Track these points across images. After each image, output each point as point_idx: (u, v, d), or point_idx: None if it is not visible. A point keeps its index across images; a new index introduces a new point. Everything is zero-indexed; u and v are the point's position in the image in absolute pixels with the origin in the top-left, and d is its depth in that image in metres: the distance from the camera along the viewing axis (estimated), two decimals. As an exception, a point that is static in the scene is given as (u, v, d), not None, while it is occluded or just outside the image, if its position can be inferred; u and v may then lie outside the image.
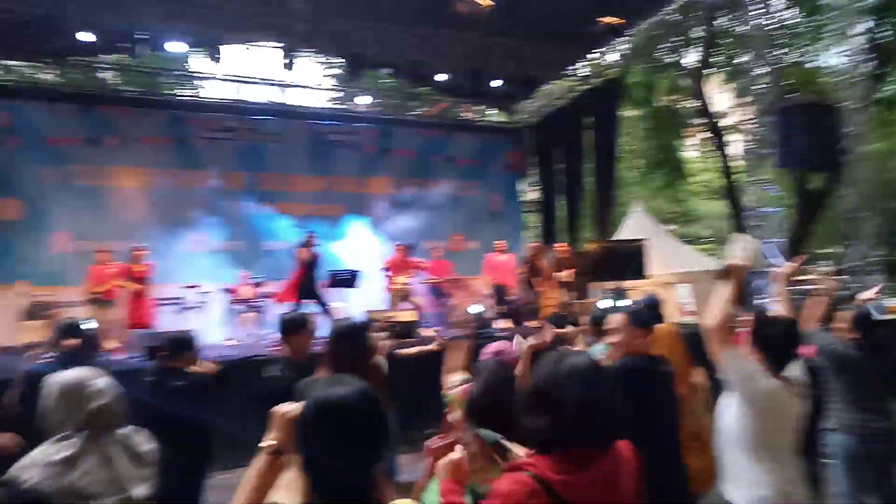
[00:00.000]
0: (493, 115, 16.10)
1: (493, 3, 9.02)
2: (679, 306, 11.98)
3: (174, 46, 10.53)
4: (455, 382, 3.09)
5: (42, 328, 9.32)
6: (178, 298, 10.00)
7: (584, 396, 1.46)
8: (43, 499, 1.75)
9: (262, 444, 1.57)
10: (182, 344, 4.05)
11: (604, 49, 12.52)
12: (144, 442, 2.07)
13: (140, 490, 1.93)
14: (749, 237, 4.09)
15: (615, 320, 3.30)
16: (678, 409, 3.23)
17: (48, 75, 13.24)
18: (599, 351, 4.46)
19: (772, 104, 9.25)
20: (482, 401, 2.53)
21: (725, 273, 2.76)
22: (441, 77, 11.85)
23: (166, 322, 9.74)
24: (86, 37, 9.40)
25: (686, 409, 3.42)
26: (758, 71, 9.56)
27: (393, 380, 4.12)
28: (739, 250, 2.81)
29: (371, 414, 1.35)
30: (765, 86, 9.63)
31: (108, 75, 13.59)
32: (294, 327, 3.55)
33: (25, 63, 12.70)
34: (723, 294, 2.65)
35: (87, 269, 9.10)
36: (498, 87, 12.18)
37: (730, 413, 2.57)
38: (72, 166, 11.27)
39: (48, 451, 1.86)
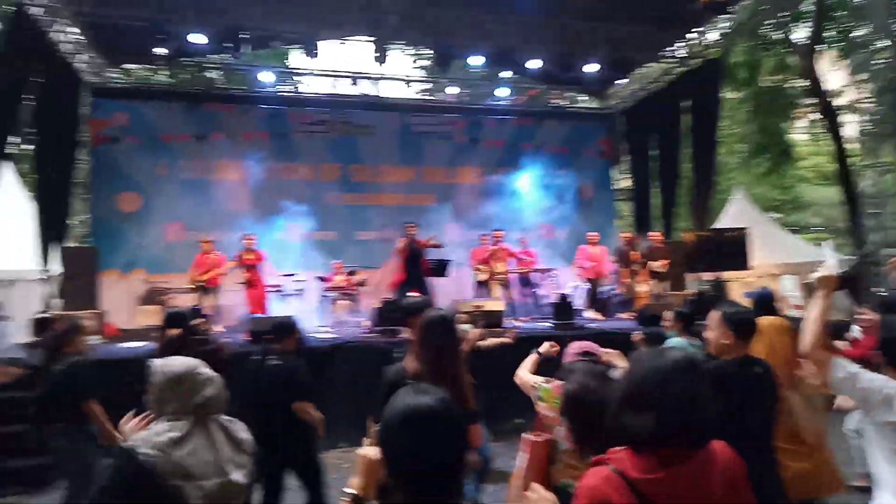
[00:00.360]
0: (585, 102, 15.73)
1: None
2: (785, 299, 11.32)
3: (275, 44, 10.97)
4: (540, 379, 3.07)
5: (157, 313, 10.11)
6: (276, 286, 10.50)
7: (685, 395, 1.43)
8: (151, 469, 1.89)
9: (345, 492, 1.62)
10: (285, 328, 4.27)
11: (704, 28, 11.93)
12: (242, 430, 2.18)
13: (238, 475, 2.04)
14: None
15: (711, 317, 3.13)
16: (771, 413, 3.00)
17: (161, 77, 14.18)
18: (682, 346, 4.31)
19: (892, 81, 8.48)
20: (578, 399, 2.55)
21: (819, 285, 2.56)
22: (532, 63, 11.66)
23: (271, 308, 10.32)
24: (195, 38, 9.97)
25: (785, 409, 3.20)
26: (877, 45, 8.79)
27: (476, 370, 4.15)
28: (829, 261, 2.66)
29: (450, 423, 1.38)
30: (884, 61, 8.84)
31: (213, 74, 14.41)
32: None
33: (141, 66, 13.66)
34: (814, 311, 2.46)
35: (193, 257, 9.74)
36: (590, 72, 11.84)
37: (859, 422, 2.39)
38: (182, 161, 12.08)
39: (159, 430, 2.00)
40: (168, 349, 3.73)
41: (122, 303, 10.04)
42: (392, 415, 1.38)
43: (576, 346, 3.12)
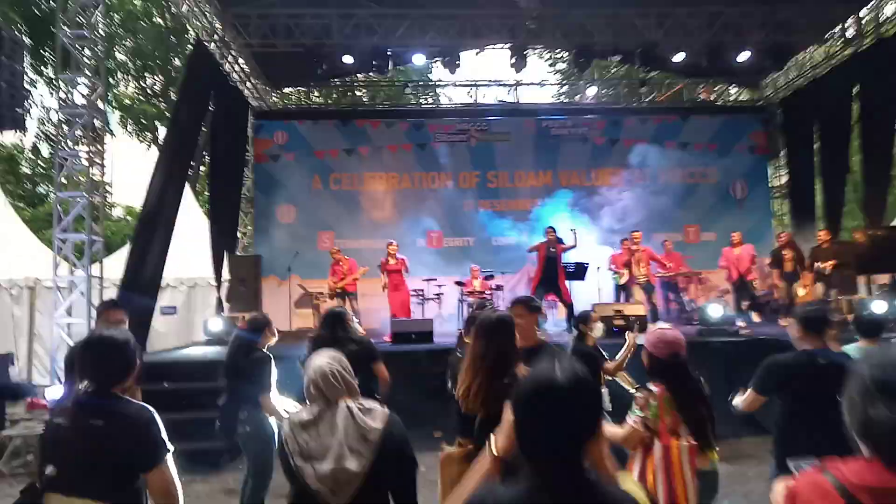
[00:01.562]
0: (735, 94, 14.71)
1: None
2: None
3: (418, 59, 11.44)
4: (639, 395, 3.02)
5: (310, 315, 10.95)
6: (417, 290, 10.91)
7: None
8: (285, 445, 2.20)
9: (490, 447, 1.69)
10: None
11: (877, 3, 10.70)
12: (374, 419, 2.22)
13: (352, 463, 2.11)
14: None
15: None
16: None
17: (315, 97, 15.37)
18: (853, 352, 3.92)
19: None
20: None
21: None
22: (677, 57, 11.10)
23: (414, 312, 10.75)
24: (346, 59, 10.69)
25: None
26: None
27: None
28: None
29: (581, 392, 1.35)
30: None
31: (362, 92, 15.36)
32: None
33: (297, 88, 14.91)
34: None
35: (330, 266, 10.37)
36: (742, 61, 11.02)
37: None
38: (332, 174, 13.00)
39: (297, 414, 2.30)
40: (318, 345, 4.02)
41: (280, 306, 10.97)
42: (524, 385, 1.40)
43: (655, 336, 3.03)
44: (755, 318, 9.83)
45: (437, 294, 11.02)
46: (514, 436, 1.40)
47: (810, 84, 12.27)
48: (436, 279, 11.14)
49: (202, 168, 15.86)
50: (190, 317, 10.84)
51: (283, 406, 4.09)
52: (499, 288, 10.75)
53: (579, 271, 9.49)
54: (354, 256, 10.63)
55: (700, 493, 2.84)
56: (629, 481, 1.44)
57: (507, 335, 2.82)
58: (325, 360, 2.33)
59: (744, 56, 10.95)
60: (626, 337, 5.01)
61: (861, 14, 11.02)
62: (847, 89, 11.09)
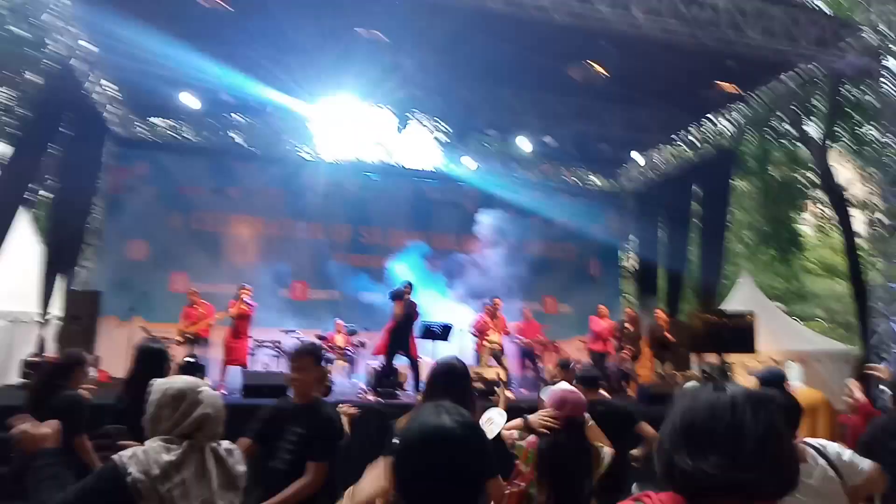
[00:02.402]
0: (596, 181, 15.98)
1: (606, 73, 9.09)
2: (790, 386, 11.08)
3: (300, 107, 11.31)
4: (515, 435, 3.03)
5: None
6: (275, 342, 10.38)
7: (763, 433, 1.14)
8: (135, 495, 1.78)
9: None
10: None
11: (716, 116, 12.27)
12: (240, 462, 2.05)
13: None
14: None
15: None
16: None
17: (185, 132, 14.59)
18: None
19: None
20: (549, 456, 2.75)
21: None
22: (546, 139, 11.96)
23: (263, 364, 10.16)
24: (226, 98, 10.31)
25: None
26: (887, 141, 9.01)
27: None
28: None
29: (472, 442, 1.30)
30: (893, 157, 9.04)
31: (236, 133, 14.83)
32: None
33: (166, 120, 14.11)
34: None
35: (182, 309, 9.66)
36: (603, 150, 12.12)
37: None
38: (195, 213, 12.26)
39: (154, 452, 1.87)
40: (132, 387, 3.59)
41: (118, 350, 9.91)
42: (410, 433, 1.31)
43: (557, 397, 3.08)
44: (606, 393, 10.32)
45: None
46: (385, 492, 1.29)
47: (659, 179, 13.67)
48: (296, 331, 10.69)
49: (42, 192, 14.32)
50: (8, 354, 9.51)
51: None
52: (362, 344, 10.52)
53: (444, 333, 9.53)
54: (210, 301, 9.96)
55: None
56: None
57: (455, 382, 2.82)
58: (212, 390, 2.04)
59: (603, 147, 12.05)
60: (498, 393, 5.07)
61: (703, 122, 12.55)
62: (688, 187, 12.48)
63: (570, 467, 2.88)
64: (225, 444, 2.04)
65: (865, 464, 2.43)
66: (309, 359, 3.16)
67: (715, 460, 1.12)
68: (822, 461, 2.35)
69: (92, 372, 3.97)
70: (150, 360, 3.75)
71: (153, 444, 1.90)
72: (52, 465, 1.92)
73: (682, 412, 1.20)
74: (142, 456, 1.84)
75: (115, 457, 1.85)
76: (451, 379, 2.81)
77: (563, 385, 3.37)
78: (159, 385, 2.03)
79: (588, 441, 3.04)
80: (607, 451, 3.04)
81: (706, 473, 1.11)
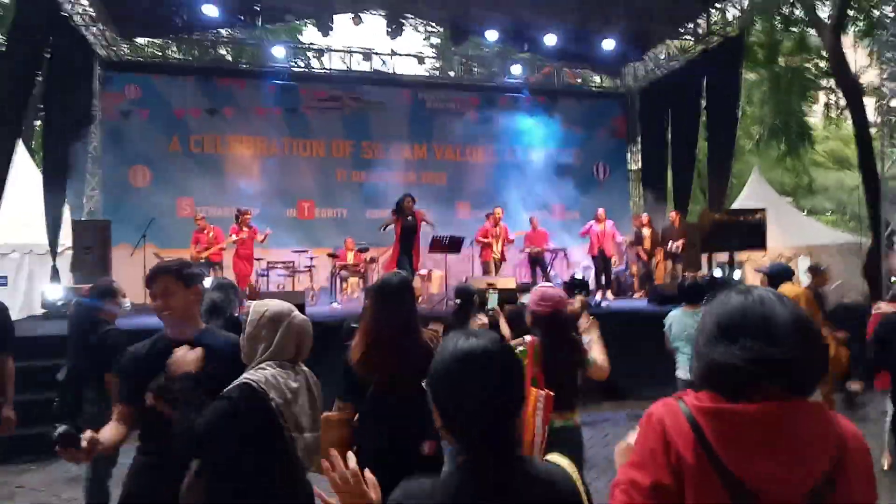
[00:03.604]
0: (600, 81, 15.50)
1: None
2: (799, 281, 11.19)
3: (289, 18, 10.83)
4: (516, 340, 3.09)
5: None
6: (287, 262, 10.46)
7: (765, 325, 1.17)
8: (278, 418, 1.95)
9: None
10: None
11: (723, 5, 11.68)
12: (317, 383, 2.21)
13: (308, 436, 2.05)
14: None
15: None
16: None
17: (173, 51, 14.07)
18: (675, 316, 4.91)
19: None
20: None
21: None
22: (547, 40, 11.45)
23: (277, 285, 10.30)
24: (209, 11, 9.83)
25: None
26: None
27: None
28: None
29: (504, 363, 1.29)
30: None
31: (225, 51, 14.29)
32: None
33: (153, 40, 13.55)
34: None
35: (192, 234, 9.73)
36: (606, 49, 11.62)
37: None
38: (193, 136, 12.02)
39: (282, 377, 2.00)
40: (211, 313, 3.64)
41: (133, 277, 10.00)
42: (442, 360, 1.29)
43: (538, 294, 3.15)
44: (609, 295, 10.45)
45: (309, 266, 10.64)
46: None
47: (665, 76, 13.20)
48: (307, 251, 10.74)
49: (37, 123, 14.01)
50: (25, 287, 9.63)
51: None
52: (373, 261, 10.59)
53: (454, 245, 9.53)
54: (218, 225, 9.96)
55: (556, 448, 2.90)
56: (555, 455, 1.39)
57: (407, 300, 2.76)
58: (292, 311, 2.15)
59: (608, 44, 11.53)
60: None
61: (711, 13, 11.96)
62: (697, 83, 12.04)
63: (557, 359, 3.00)
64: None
65: None
66: (167, 278, 2.33)
67: (750, 344, 1.14)
68: None
69: (126, 303, 4.00)
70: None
71: (274, 369, 2.01)
72: (193, 389, 2.01)
73: (713, 314, 1.24)
74: (273, 381, 1.97)
75: (250, 381, 1.95)
76: (399, 297, 2.76)
77: (543, 284, 3.46)
78: (256, 306, 2.13)
79: (572, 335, 3.20)
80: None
81: (743, 358, 1.14)
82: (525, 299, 3.31)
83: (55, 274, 9.48)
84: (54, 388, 3.98)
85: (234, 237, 9.63)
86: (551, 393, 2.85)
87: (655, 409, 1.24)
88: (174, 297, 2.29)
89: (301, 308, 6.08)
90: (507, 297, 7.93)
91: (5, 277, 9.34)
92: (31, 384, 5.44)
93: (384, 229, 9.50)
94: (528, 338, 3.00)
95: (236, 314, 3.83)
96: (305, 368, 2.16)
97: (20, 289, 9.62)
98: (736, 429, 1.13)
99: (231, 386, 1.96)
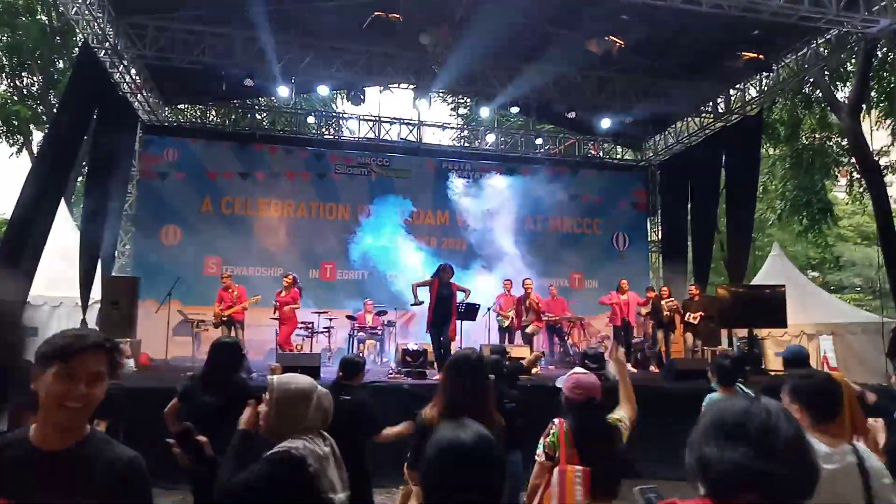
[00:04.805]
0: (621, 153, 15.83)
1: (622, 43, 8.95)
2: (822, 360, 10.98)
3: (322, 90, 11.41)
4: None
5: (189, 344, 10.33)
6: (307, 323, 10.62)
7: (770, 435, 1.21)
8: (314, 480, 2.06)
9: None
10: (355, 366, 4.41)
11: (744, 85, 12.00)
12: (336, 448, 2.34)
13: (342, 496, 2.17)
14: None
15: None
16: None
17: (211, 117, 14.82)
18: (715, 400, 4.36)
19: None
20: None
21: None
22: (569, 114, 11.85)
23: (296, 345, 10.42)
24: (248, 83, 10.43)
25: None
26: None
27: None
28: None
29: (491, 458, 1.38)
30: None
31: (261, 116, 15.01)
32: None
33: (193, 105, 14.33)
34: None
35: (217, 292, 9.94)
36: (627, 124, 11.97)
37: None
38: (225, 197, 12.51)
39: (314, 446, 2.14)
40: (215, 377, 3.79)
41: (157, 333, 10.27)
42: (431, 449, 1.40)
43: (573, 381, 3.20)
44: (631, 366, 10.38)
45: (327, 328, 10.79)
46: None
47: (685, 150, 13.45)
48: (327, 312, 10.92)
49: (80, 179, 14.72)
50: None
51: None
52: (391, 324, 10.71)
53: (471, 312, 9.62)
54: (243, 284, 10.22)
55: None
56: None
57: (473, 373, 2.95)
58: (317, 387, 2.29)
59: (628, 120, 11.88)
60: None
61: (731, 93, 12.27)
62: (716, 157, 12.25)
63: (592, 444, 3.03)
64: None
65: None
66: (101, 357, 1.68)
67: (745, 451, 1.17)
68: (852, 458, 2.26)
69: (129, 363, 4.11)
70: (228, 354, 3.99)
71: (305, 440, 2.14)
72: (242, 446, 2.15)
73: (715, 412, 1.27)
74: (308, 449, 2.10)
75: (291, 450, 2.06)
76: (472, 372, 2.93)
77: (578, 369, 3.48)
78: (283, 382, 2.25)
79: (607, 421, 3.20)
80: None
81: (735, 463, 1.17)
82: (559, 381, 3.36)
83: (84, 328, 9.76)
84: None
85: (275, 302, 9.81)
86: (587, 469, 2.96)
87: None
88: (100, 386, 1.66)
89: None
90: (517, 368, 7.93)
91: (36, 328, 9.64)
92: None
93: (418, 303, 9.54)
94: (556, 421, 3.12)
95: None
96: (327, 435, 2.28)
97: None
98: None
99: (270, 452, 2.08)
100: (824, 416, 2.33)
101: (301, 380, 2.27)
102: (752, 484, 1.16)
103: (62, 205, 10.98)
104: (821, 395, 2.37)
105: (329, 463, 2.15)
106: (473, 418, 2.69)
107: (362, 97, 11.48)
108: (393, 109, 14.15)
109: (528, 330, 10.33)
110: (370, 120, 14.00)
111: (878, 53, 12.49)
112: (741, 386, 4.75)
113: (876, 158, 13.35)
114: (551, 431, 3.10)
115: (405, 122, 14.09)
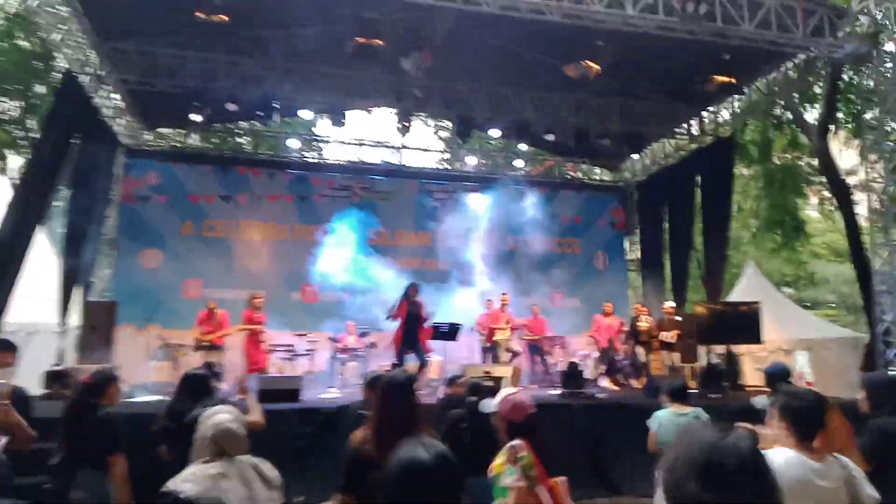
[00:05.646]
0: (599, 174, 16.10)
1: (598, 68, 9.19)
2: (800, 375, 11.17)
3: (304, 114, 11.53)
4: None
5: (168, 368, 10.22)
6: (288, 345, 10.58)
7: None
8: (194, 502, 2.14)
9: None
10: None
11: (716, 108, 12.34)
12: (270, 469, 2.45)
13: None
14: None
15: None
16: None
17: (193, 140, 14.84)
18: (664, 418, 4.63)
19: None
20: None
21: None
22: (548, 136, 12.06)
23: (278, 368, 10.37)
24: (230, 106, 10.50)
25: None
26: (886, 128, 9.08)
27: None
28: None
29: (448, 476, 1.43)
30: (894, 143, 9.12)
31: (243, 140, 15.07)
32: None
33: (175, 130, 14.34)
34: None
35: (197, 314, 9.84)
36: (604, 145, 12.20)
37: None
38: (206, 221, 12.49)
39: (198, 470, 2.28)
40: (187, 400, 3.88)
41: (136, 357, 10.17)
42: (391, 466, 1.44)
43: (510, 403, 3.13)
44: (610, 384, 10.46)
45: (309, 350, 10.76)
46: None
47: (662, 170, 13.75)
48: (307, 334, 10.89)
49: (58, 203, 14.61)
50: (27, 366, 9.73)
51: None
52: (373, 345, 10.71)
53: (452, 332, 9.69)
54: (223, 307, 10.18)
55: None
56: None
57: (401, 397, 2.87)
58: (224, 416, 2.42)
59: (605, 141, 12.13)
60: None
61: (704, 115, 12.61)
62: (692, 178, 12.54)
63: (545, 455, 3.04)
64: (252, 457, 2.44)
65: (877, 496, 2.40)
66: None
67: (719, 488, 1.22)
68: (841, 472, 2.36)
69: (125, 388, 4.14)
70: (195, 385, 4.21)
71: (192, 468, 2.32)
72: None
73: (688, 448, 1.30)
74: (186, 478, 2.25)
75: (163, 489, 2.19)
76: (403, 393, 2.88)
77: (506, 390, 3.41)
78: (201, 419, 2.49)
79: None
80: None
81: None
82: (488, 407, 3.23)
83: (61, 354, 9.65)
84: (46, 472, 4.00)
85: (242, 324, 9.66)
86: (565, 478, 3.05)
87: None
88: None
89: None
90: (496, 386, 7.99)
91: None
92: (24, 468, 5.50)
93: (390, 318, 9.57)
94: (516, 442, 2.99)
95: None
96: (244, 458, 2.40)
97: (26, 367, 9.73)
98: None
99: None
100: (811, 433, 2.42)
101: (209, 416, 2.48)
102: None
103: (44, 231, 10.92)
104: (809, 413, 2.45)
105: (223, 483, 2.25)
106: (405, 437, 2.74)
107: (343, 120, 11.59)
108: (375, 132, 14.27)
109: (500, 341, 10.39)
110: (352, 144, 14.12)
111: (845, 77, 12.92)
112: (700, 410, 4.86)
113: (844, 178, 13.75)
114: (520, 455, 2.98)
115: (387, 145, 14.24)
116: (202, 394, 4.11)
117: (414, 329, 9.40)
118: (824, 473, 2.31)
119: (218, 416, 2.44)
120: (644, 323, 10.76)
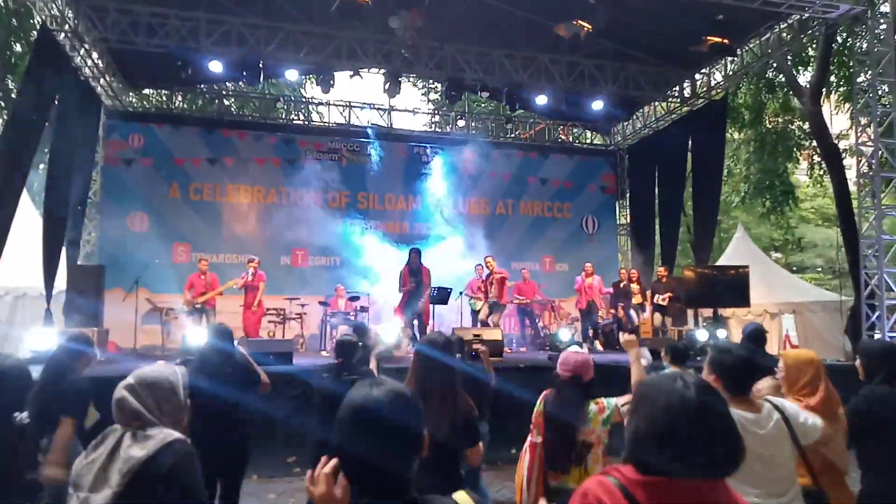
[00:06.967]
0: (590, 138, 15.99)
1: (590, 27, 9.01)
2: (787, 338, 11.35)
3: (291, 74, 11.28)
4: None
5: (158, 333, 10.20)
6: (279, 310, 10.58)
7: (707, 431, 1.30)
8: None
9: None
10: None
11: (709, 70, 12.20)
12: (140, 449, 2.03)
13: (99, 496, 1.96)
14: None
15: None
16: None
17: (177, 102, 14.52)
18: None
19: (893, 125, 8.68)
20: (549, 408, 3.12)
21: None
22: (539, 99, 11.90)
23: (268, 332, 10.38)
24: (214, 66, 10.24)
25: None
26: (881, 89, 9.04)
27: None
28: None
29: (406, 414, 1.36)
30: (888, 105, 9.08)
31: (229, 101, 14.76)
32: None
33: (159, 91, 14.03)
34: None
35: (187, 278, 9.77)
36: (596, 109, 12.06)
37: None
38: (193, 184, 12.31)
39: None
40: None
41: (125, 321, 10.12)
42: (342, 408, 1.37)
43: (562, 357, 3.32)
44: (598, 345, 10.58)
45: (300, 314, 10.77)
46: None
47: (653, 134, 13.66)
48: (299, 298, 10.88)
49: (42, 166, 14.34)
50: (14, 331, 9.70)
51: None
52: (364, 309, 10.73)
53: (443, 296, 9.71)
54: (213, 271, 10.12)
55: None
56: (460, 494, 1.47)
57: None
58: (125, 382, 2.06)
59: (597, 104, 11.99)
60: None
61: (696, 77, 12.47)
62: (683, 141, 12.46)
63: (561, 420, 3.14)
64: (152, 430, 2.01)
65: (819, 423, 2.57)
66: None
67: (680, 442, 1.29)
68: (777, 415, 2.47)
69: (98, 354, 4.02)
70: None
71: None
72: None
73: (657, 408, 1.34)
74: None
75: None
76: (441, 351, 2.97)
77: (573, 347, 3.62)
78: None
79: (585, 398, 3.23)
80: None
81: (673, 458, 1.28)
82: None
83: (49, 317, 9.57)
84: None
85: (238, 281, 9.68)
86: (536, 441, 3.17)
87: (588, 486, 1.37)
88: None
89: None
90: (493, 349, 8.04)
91: (-2, 320, 9.43)
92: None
93: (402, 290, 9.66)
94: (544, 392, 3.30)
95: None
96: (123, 433, 2.01)
97: (12, 333, 9.68)
98: (668, 499, 1.27)
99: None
100: (741, 386, 2.51)
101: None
102: (690, 470, 1.27)
103: (24, 193, 10.71)
104: (736, 368, 2.52)
105: (90, 455, 1.99)
106: (443, 401, 2.80)
107: (331, 82, 11.36)
108: (363, 93, 13.99)
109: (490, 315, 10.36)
110: (340, 105, 13.88)
111: (839, 39, 12.78)
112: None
113: (835, 142, 13.72)
114: (538, 402, 3.27)
115: (375, 107, 14.01)
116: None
117: (416, 294, 9.46)
118: (759, 422, 2.41)
119: (127, 380, 2.13)
120: (635, 285, 10.82)
